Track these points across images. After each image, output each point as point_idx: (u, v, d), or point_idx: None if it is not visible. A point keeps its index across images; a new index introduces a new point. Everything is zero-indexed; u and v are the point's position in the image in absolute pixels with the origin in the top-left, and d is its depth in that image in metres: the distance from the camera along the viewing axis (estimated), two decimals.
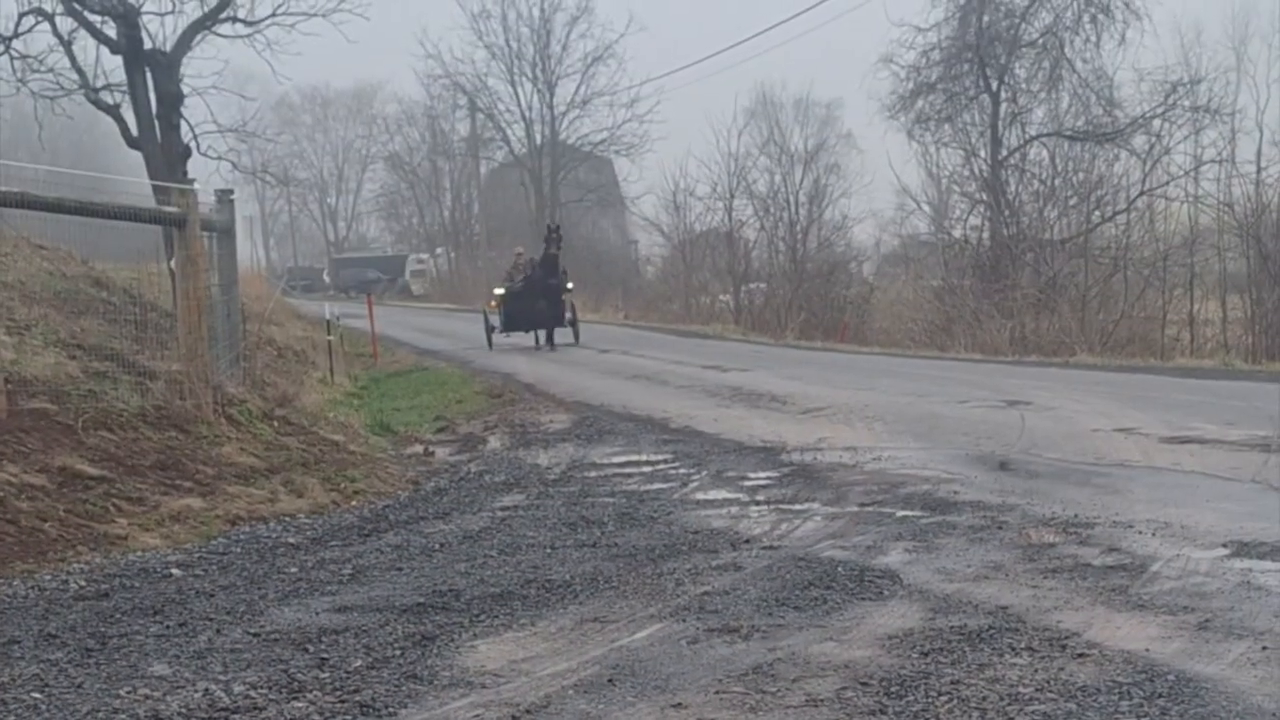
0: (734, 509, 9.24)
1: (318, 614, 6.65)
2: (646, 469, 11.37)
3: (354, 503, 10.20)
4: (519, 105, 58.45)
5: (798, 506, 9.20)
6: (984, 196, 33.27)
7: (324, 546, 8.51)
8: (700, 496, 9.87)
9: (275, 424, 12.19)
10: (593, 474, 11.23)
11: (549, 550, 8.04)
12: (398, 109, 74.58)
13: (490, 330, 28.89)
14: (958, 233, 34.13)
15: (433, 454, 12.98)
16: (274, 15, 24.46)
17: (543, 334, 28.06)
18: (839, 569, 7.14)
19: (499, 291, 29.23)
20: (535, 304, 27.36)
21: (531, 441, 13.58)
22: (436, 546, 8.31)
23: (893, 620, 6.14)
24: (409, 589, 7.13)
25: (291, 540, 8.73)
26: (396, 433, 14.58)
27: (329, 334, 23.08)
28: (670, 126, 52.82)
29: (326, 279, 77.71)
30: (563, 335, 28.04)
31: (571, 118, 57.74)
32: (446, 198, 75.13)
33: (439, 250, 75.73)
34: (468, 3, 58.25)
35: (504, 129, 59.99)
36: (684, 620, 6.27)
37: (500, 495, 10.34)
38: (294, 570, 7.77)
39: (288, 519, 9.43)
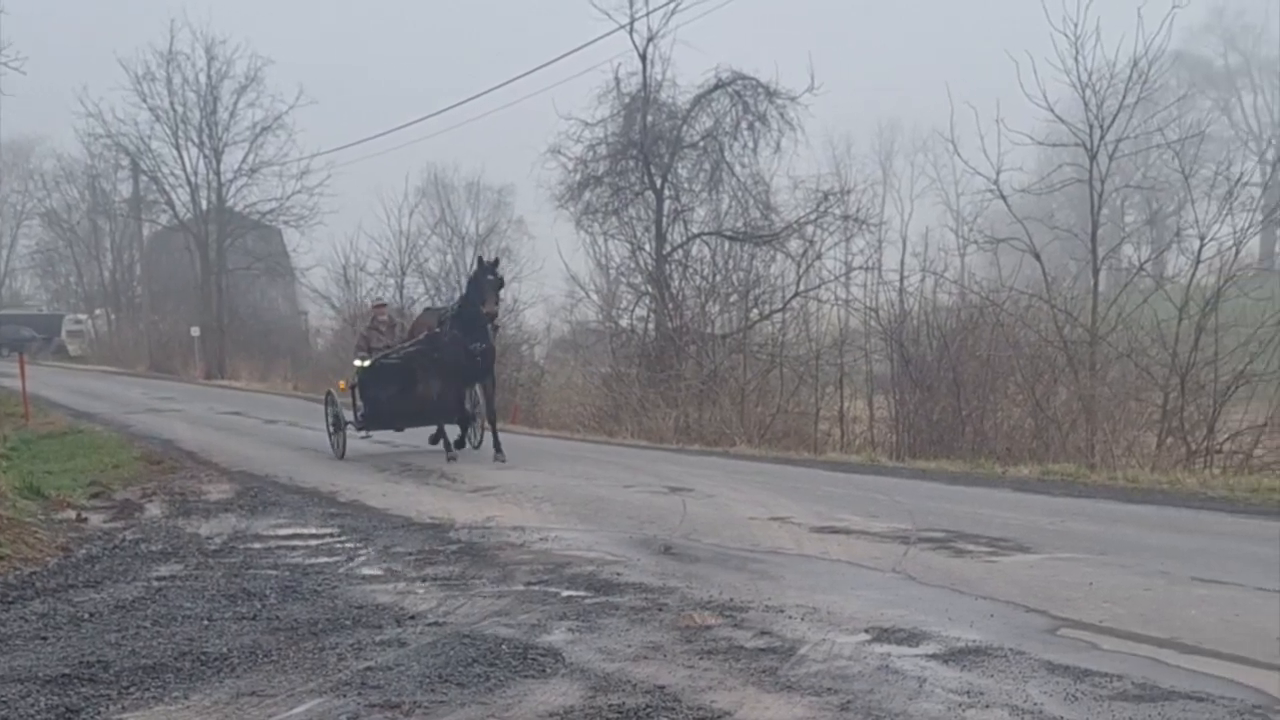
0: (400, 585, 9.20)
1: None
2: (312, 542, 11.19)
3: None
4: (184, 169, 56.40)
5: (464, 584, 9.23)
6: (649, 289, 34.16)
7: None
8: (366, 571, 9.77)
9: None
10: (256, 545, 10.96)
11: (206, 622, 7.82)
12: (56, 165, 71.41)
13: (338, 427, 18.92)
14: (625, 322, 34.90)
15: (85, 520, 12.41)
16: None
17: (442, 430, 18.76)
18: (503, 646, 7.22)
19: (361, 364, 19.03)
20: (429, 384, 18.42)
21: (192, 510, 13.15)
22: (86, 616, 7.96)
23: (554, 698, 6.25)
24: (54, 659, 6.81)
25: None
26: (47, 497, 13.83)
27: None
28: (342, 200, 51.94)
29: None
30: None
31: (239, 185, 56.13)
32: (107, 258, 72.42)
33: (98, 311, 72.42)
34: (131, 64, 56.07)
35: (168, 192, 57.78)
36: (345, 695, 6.21)
37: (157, 565, 9.98)
38: None
39: None
